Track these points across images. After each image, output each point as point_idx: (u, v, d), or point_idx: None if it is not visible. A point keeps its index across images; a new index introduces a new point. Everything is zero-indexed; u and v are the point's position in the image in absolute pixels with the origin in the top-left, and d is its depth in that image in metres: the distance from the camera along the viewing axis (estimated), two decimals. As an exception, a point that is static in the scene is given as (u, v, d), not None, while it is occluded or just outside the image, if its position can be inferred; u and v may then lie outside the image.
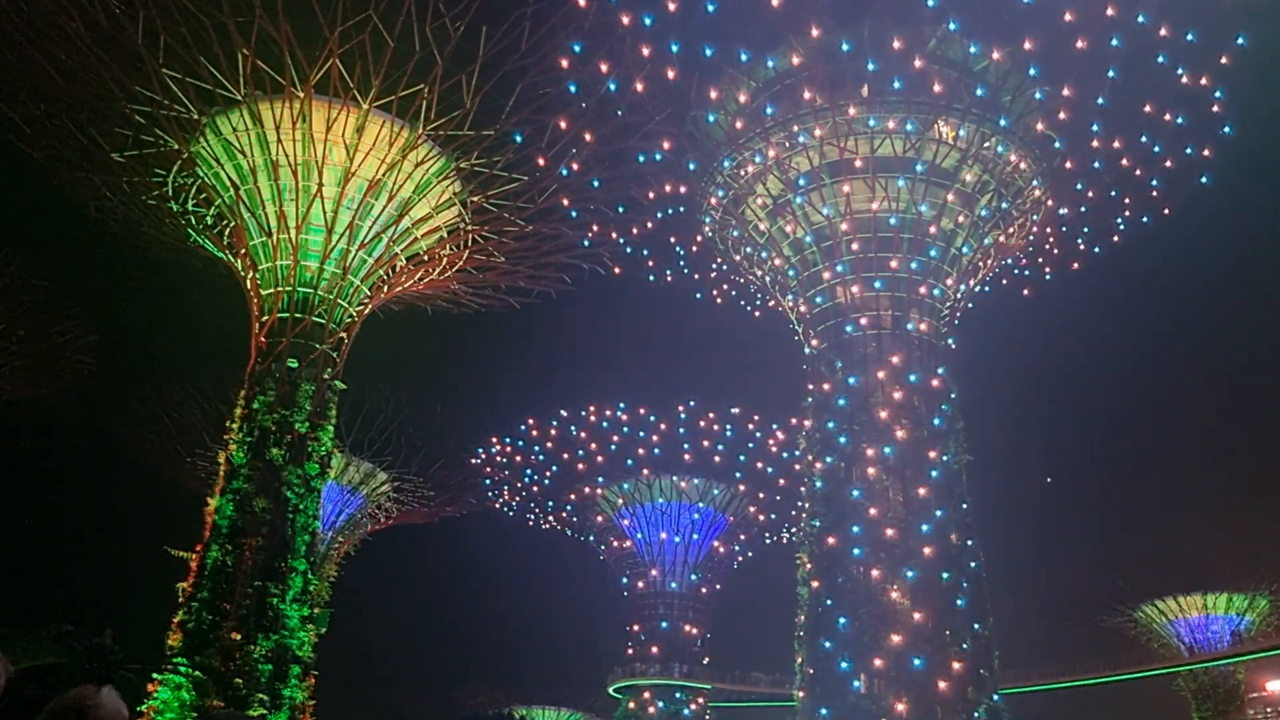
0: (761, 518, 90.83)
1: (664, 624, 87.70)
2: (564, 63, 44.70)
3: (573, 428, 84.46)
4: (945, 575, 51.31)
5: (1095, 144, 55.55)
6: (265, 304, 45.66)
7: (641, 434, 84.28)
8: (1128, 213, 61.53)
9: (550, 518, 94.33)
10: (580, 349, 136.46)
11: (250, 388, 44.28)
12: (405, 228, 47.22)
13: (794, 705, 55.60)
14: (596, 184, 50.05)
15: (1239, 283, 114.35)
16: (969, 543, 53.32)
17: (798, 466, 65.10)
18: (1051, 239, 63.28)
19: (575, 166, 48.03)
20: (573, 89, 45.91)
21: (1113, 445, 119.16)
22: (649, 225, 57.99)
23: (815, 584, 53.75)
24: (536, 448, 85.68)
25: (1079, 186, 58.79)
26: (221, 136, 43.90)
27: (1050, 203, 58.83)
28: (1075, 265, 65.72)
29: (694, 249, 63.78)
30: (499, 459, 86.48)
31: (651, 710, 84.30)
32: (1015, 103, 53.75)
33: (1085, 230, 63.01)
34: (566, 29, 43.44)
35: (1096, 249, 64.30)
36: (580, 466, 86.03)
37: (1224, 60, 51.74)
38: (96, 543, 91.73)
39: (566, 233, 52.15)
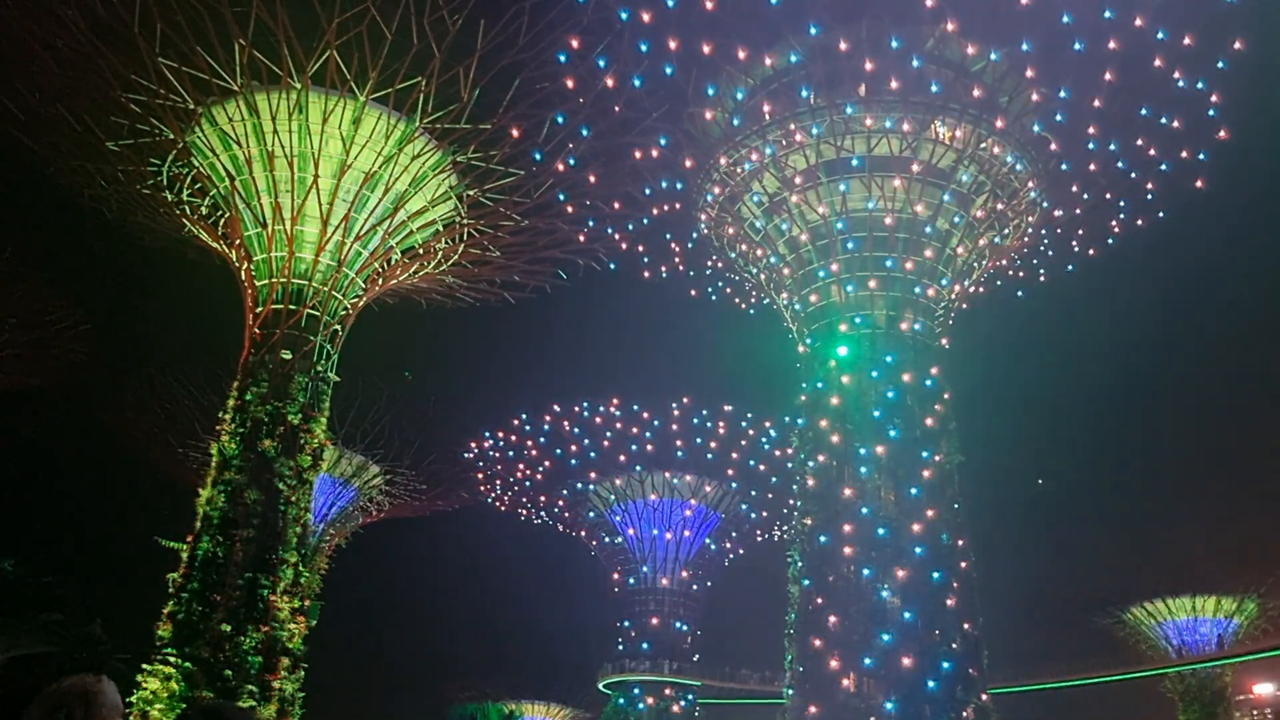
0: (753, 515, 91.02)
1: (654, 620, 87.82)
2: (562, 58, 44.66)
3: (565, 423, 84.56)
4: (936, 575, 51.42)
5: (1091, 146, 55.65)
6: (259, 295, 45.55)
7: (634, 430, 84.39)
8: (1123, 215, 61.67)
9: (542, 513, 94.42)
10: (574, 344, 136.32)
11: (243, 379, 44.19)
12: (401, 220, 47.12)
13: (783, 703, 55.71)
14: (593, 180, 50.00)
15: (1233, 287, 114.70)
16: (960, 543, 53.45)
17: (790, 464, 65.17)
18: (1046, 241, 63.41)
19: (572, 162, 47.99)
20: (570, 84, 45.87)
21: (1104, 447, 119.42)
22: (645, 221, 58.00)
23: (806, 582, 53.85)
24: (529, 442, 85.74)
25: (1074, 189, 58.89)
26: (217, 127, 43.76)
27: (1045, 205, 58.94)
28: (1070, 267, 65.90)
29: (689, 246, 63.80)
30: (491, 453, 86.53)
31: (641, 706, 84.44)
32: (1012, 104, 53.81)
33: (1080, 232, 63.14)
34: (565, 24, 43.39)
35: (1091, 251, 64.46)
36: (572, 462, 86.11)
37: (1221, 64, 51.84)
38: (86, 533, 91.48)
39: (562, 228, 52.11)
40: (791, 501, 62.22)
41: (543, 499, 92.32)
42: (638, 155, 52.50)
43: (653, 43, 48.53)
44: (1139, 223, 61.89)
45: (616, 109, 48.11)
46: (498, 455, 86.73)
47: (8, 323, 57.90)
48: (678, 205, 59.45)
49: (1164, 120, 54.49)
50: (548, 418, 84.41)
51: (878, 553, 51.83)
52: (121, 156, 44.98)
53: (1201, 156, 56.54)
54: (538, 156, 46.67)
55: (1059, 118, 53.90)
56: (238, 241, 46.04)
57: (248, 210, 45.07)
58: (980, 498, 65.66)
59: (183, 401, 66.42)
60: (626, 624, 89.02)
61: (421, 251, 50.44)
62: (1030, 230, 60.70)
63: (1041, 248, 63.96)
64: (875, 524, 52.35)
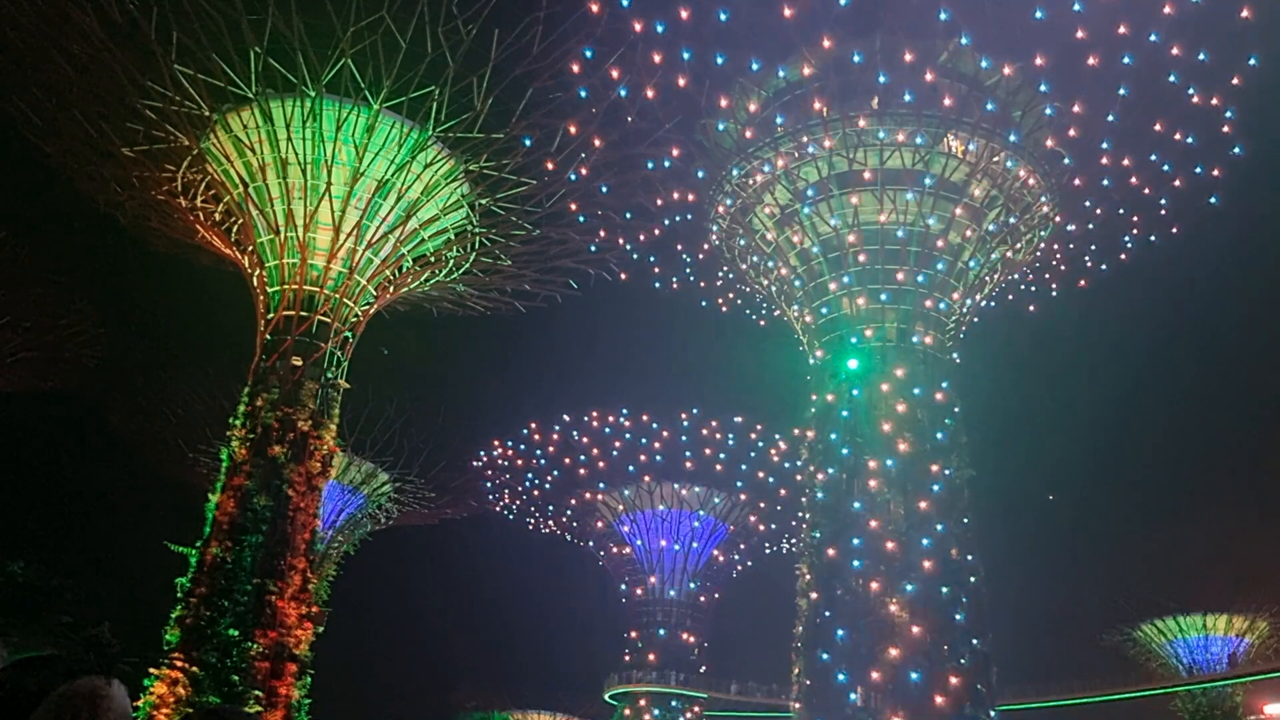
0: (762, 527, 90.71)
1: (661, 631, 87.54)
2: (575, 68, 44.79)
3: (575, 433, 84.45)
4: (944, 590, 51.18)
5: (1105, 161, 55.48)
6: (271, 301, 45.70)
7: (643, 441, 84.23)
8: (1136, 231, 61.45)
9: (550, 522, 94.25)
10: (584, 354, 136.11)
11: (254, 385, 44.29)
12: (412, 228, 47.27)
13: (790, 716, 55.45)
14: (605, 190, 50.08)
15: (1246, 302, 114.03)
16: (969, 558, 53.19)
17: (799, 477, 64.98)
18: (1059, 255, 63.20)
19: (584, 172, 48.07)
20: (583, 94, 45.98)
21: (1115, 463, 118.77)
22: (656, 232, 58.00)
23: (814, 595, 53.64)
24: (538, 452, 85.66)
25: (1087, 203, 58.73)
26: (232, 133, 43.99)
27: (1058, 219, 58.77)
28: (1082, 282, 65.64)
29: (700, 257, 63.76)
30: (500, 462, 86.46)
31: (647, 717, 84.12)
32: (1025, 118, 53.74)
33: (1093, 247, 62.93)
34: (578, 34, 43.54)
35: (1104, 266, 64.22)
36: (581, 472, 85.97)
37: (1235, 80, 51.69)
38: (96, 536, 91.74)
39: (573, 237, 52.18)
40: (800, 514, 62.02)
41: (551, 508, 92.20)
42: (650, 166, 52.56)
43: (666, 54, 48.63)
44: (1152, 238, 61.69)
45: (629, 119, 48.21)
46: (506, 464, 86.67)
47: (21, 326, 58.24)
48: (689, 216, 59.46)
49: (1178, 136, 54.34)
50: (557, 427, 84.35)
51: (886, 566, 51.62)
52: (136, 162, 45.25)
53: (1216, 172, 56.38)
54: (549, 166, 46.76)
55: (1072, 132, 53.79)
56: (250, 248, 46.22)
57: (260, 217, 45.24)
58: (990, 512, 65.31)
59: (193, 406, 66.65)
60: (633, 635, 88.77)
61: (433, 259, 50.57)
62: (1043, 244, 60.53)
63: (1054, 262, 63.75)
64: (884, 538, 52.13)
